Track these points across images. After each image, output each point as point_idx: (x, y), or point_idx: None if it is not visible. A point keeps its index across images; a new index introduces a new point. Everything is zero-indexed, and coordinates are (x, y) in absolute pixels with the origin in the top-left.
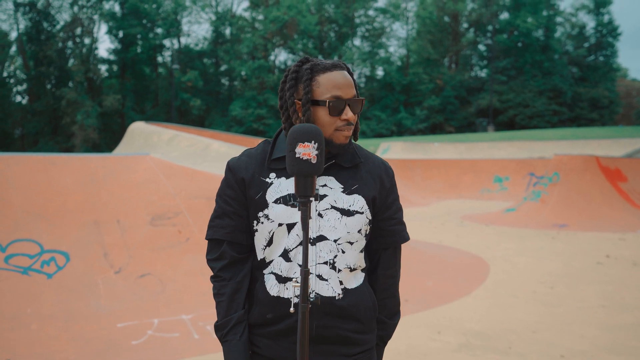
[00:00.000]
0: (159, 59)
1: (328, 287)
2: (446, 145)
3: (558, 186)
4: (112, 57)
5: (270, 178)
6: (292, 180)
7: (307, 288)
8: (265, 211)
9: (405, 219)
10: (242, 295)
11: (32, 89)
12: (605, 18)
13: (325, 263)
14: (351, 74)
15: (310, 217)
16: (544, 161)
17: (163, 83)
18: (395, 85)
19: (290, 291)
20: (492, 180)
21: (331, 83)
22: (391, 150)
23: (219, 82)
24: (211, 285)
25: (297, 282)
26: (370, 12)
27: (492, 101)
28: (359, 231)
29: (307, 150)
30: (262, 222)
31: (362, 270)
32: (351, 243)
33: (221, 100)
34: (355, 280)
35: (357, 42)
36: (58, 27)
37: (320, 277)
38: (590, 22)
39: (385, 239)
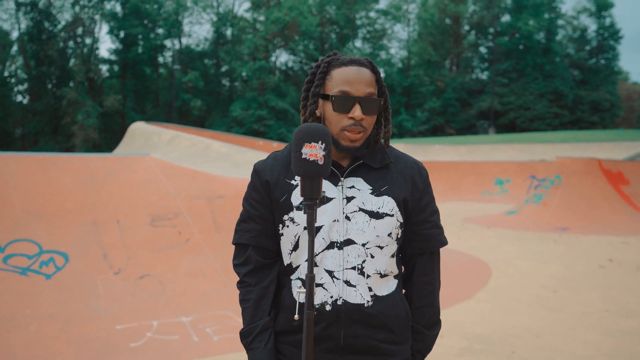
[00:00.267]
0: (160, 59)
1: (356, 294)
2: (447, 148)
3: (560, 189)
4: (113, 57)
5: (295, 180)
6: None
7: (312, 295)
8: (291, 214)
9: None
10: (267, 302)
11: (32, 89)
12: (607, 21)
13: (353, 268)
14: (376, 72)
15: (315, 220)
16: (545, 164)
17: (164, 83)
18: (396, 87)
19: (318, 298)
20: (493, 182)
21: (342, 77)
22: None
23: (219, 82)
24: (211, 287)
25: (302, 288)
26: (372, 14)
27: (493, 103)
28: (389, 235)
29: (313, 151)
30: (288, 226)
31: (395, 277)
32: (381, 247)
33: (222, 101)
34: (387, 287)
35: (358, 43)
36: (59, 26)
37: (347, 283)
38: (591, 25)
39: (420, 244)
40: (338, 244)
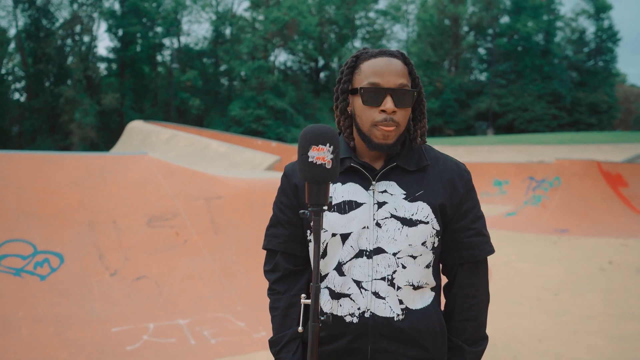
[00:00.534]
0: (159, 58)
1: (385, 306)
2: (445, 149)
3: (559, 191)
4: (111, 56)
5: None
6: (348, 186)
7: (317, 305)
8: None
9: None
10: (296, 310)
11: (30, 87)
12: (605, 23)
13: (383, 279)
14: (408, 63)
15: (321, 227)
16: (543, 165)
17: (162, 82)
18: None
19: (345, 309)
20: (491, 183)
21: (370, 69)
22: None
23: (218, 82)
24: (209, 289)
25: (307, 299)
26: (371, 14)
27: (492, 105)
28: (423, 244)
29: (321, 154)
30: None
31: (433, 289)
32: (414, 257)
33: (220, 100)
34: (422, 300)
35: (357, 43)
36: (57, 24)
37: (376, 294)
38: (590, 27)
39: (460, 253)
40: (367, 253)
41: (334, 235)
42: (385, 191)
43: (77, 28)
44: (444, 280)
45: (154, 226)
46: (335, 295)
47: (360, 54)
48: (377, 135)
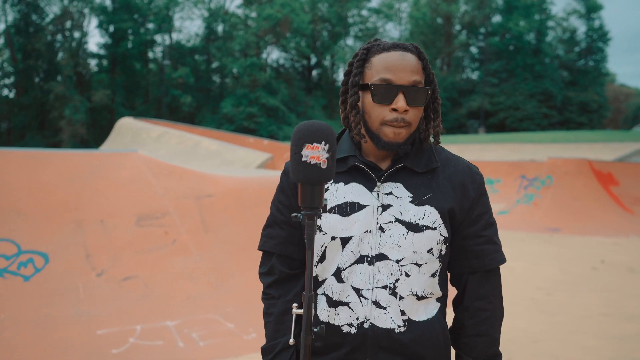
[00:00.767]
0: (150, 54)
1: (386, 317)
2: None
3: (551, 189)
4: (102, 52)
5: (327, 183)
6: (351, 186)
7: (310, 315)
8: (318, 221)
9: None
10: (291, 317)
11: (19, 82)
12: (596, 23)
13: (385, 287)
14: (422, 58)
15: (314, 232)
16: (535, 164)
17: (154, 79)
18: None
19: (342, 318)
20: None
21: (382, 64)
22: None
23: (210, 79)
24: (198, 290)
25: (299, 309)
26: (364, 12)
27: (484, 103)
28: (429, 251)
29: (315, 153)
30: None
31: (438, 300)
32: (418, 265)
33: (212, 98)
34: (426, 311)
35: (349, 41)
36: (47, 20)
37: (377, 303)
38: (581, 27)
39: (470, 262)
40: (368, 259)
41: (333, 238)
42: (390, 193)
43: (68, 24)
44: (452, 290)
45: (142, 225)
46: (333, 303)
47: (371, 46)
48: (387, 134)
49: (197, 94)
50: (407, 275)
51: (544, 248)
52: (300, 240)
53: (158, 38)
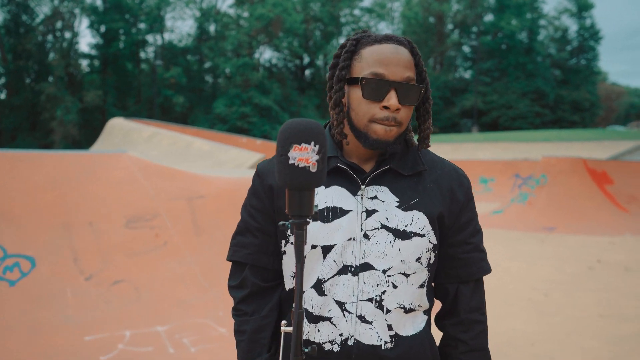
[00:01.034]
0: (142, 54)
1: (371, 333)
2: (431, 146)
3: (546, 188)
4: (93, 52)
5: None
6: (332, 189)
7: (300, 336)
8: None
9: None
10: (266, 335)
11: (10, 83)
12: (587, 22)
13: (370, 300)
14: (415, 54)
15: (304, 243)
16: (529, 163)
17: (146, 79)
18: None
19: (324, 335)
20: (477, 181)
21: (374, 57)
22: None
23: (202, 79)
24: (189, 293)
25: (287, 327)
26: (356, 12)
27: (476, 102)
28: (418, 260)
29: (304, 155)
30: (292, 242)
31: (425, 313)
32: (406, 275)
33: (205, 98)
34: (413, 325)
35: (342, 41)
36: (38, 20)
37: (362, 318)
38: (572, 26)
39: (457, 271)
40: (352, 269)
41: (314, 247)
42: (375, 197)
43: (58, 24)
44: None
45: (132, 227)
46: (313, 319)
47: (361, 37)
48: (376, 131)
49: (189, 94)
50: (395, 286)
51: (540, 247)
52: (276, 250)
53: (150, 38)
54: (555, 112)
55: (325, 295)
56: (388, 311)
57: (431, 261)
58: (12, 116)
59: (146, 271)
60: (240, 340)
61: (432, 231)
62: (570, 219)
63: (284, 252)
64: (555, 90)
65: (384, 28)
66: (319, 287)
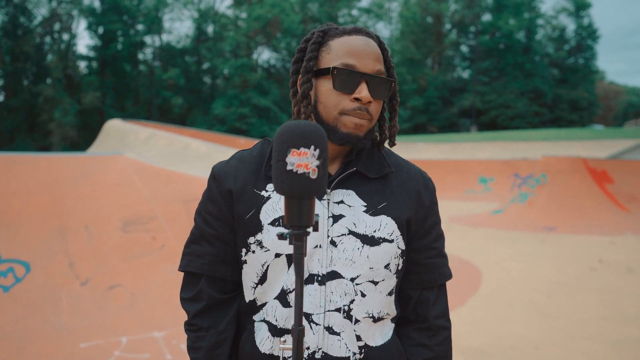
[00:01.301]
0: (140, 56)
1: (340, 344)
2: (430, 146)
3: (546, 188)
4: (91, 54)
5: (267, 190)
6: None
7: (301, 354)
8: (259, 236)
9: None
10: (224, 351)
11: (8, 85)
12: (585, 21)
13: (338, 310)
14: (384, 49)
15: (304, 255)
16: (528, 162)
17: (144, 81)
18: None
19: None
20: (477, 180)
21: (344, 48)
22: None
23: (200, 80)
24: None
25: (287, 344)
26: (354, 12)
27: (475, 102)
28: (387, 266)
29: (303, 160)
30: (254, 251)
31: (392, 321)
32: (375, 283)
33: (203, 99)
34: (382, 334)
35: None
36: (36, 22)
37: (329, 329)
38: (570, 25)
39: (420, 277)
40: (319, 278)
41: (277, 255)
42: (342, 202)
43: (56, 26)
44: None
45: (129, 231)
46: (277, 332)
47: (328, 28)
48: (346, 124)
49: (187, 96)
50: (363, 294)
51: (541, 248)
52: (234, 259)
53: (148, 39)
54: (554, 111)
55: (291, 306)
56: (357, 321)
57: (399, 267)
58: (10, 118)
59: (143, 275)
60: (195, 358)
61: (401, 236)
62: (571, 219)
63: (245, 262)
64: (553, 89)
65: (382, 28)
66: (283, 298)
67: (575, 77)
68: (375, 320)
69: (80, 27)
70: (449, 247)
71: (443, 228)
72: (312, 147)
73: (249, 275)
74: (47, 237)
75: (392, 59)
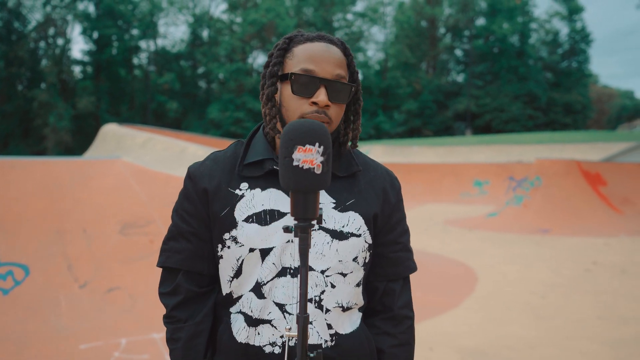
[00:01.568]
0: (135, 60)
1: (312, 332)
2: (425, 149)
3: (540, 190)
4: (86, 59)
5: (241, 189)
6: (269, 192)
7: (306, 340)
8: (233, 232)
9: None
10: (202, 341)
11: (2, 90)
12: (578, 25)
13: (310, 301)
14: (347, 54)
15: (309, 246)
16: (523, 165)
17: (139, 85)
18: (373, 89)
19: (264, 337)
20: (472, 184)
21: (305, 54)
22: (371, 154)
23: (196, 84)
24: None
25: (291, 331)
26: (349, 16)
27: (469, 105)
28: (355, 259)
29: (308, 156)
30: (229, 247)
31: (360, 310)
32: (344, 275)
33: (198, 103)
34: (350, 322)
35: None
36: (30, 27)
37: None
38: (563, 29)
39: (386, 270)
40: (291, 271)
41: (252, 250)
42: None
43: (51, 31)
44: None
45: (127, 234)
46: (253, 322)
47: (294, 35)
48: None
49: (183, 100)
50: (333, 286)
51: (536, 250)
52: (210, 254)
53: (143, 44)
54: (548, 114)
55: (265, 298)
56: (327, 310)
57: (367, 260)
58: (4, 123)
59: (141, 278)
60: (174, 349)
61: (368, 231)
62: (566, 221)
63: (221, 257)
64: (547, 93)
65: (376, 32)
66: (258, 290)
67: (568, 81)
68: (345, 309)
69: (75, 32)
70: (446, 250)
71: (439, 231)
72: (317, 144)
73: (225, 269)
74: (45, 240)
75: (387, 64)
